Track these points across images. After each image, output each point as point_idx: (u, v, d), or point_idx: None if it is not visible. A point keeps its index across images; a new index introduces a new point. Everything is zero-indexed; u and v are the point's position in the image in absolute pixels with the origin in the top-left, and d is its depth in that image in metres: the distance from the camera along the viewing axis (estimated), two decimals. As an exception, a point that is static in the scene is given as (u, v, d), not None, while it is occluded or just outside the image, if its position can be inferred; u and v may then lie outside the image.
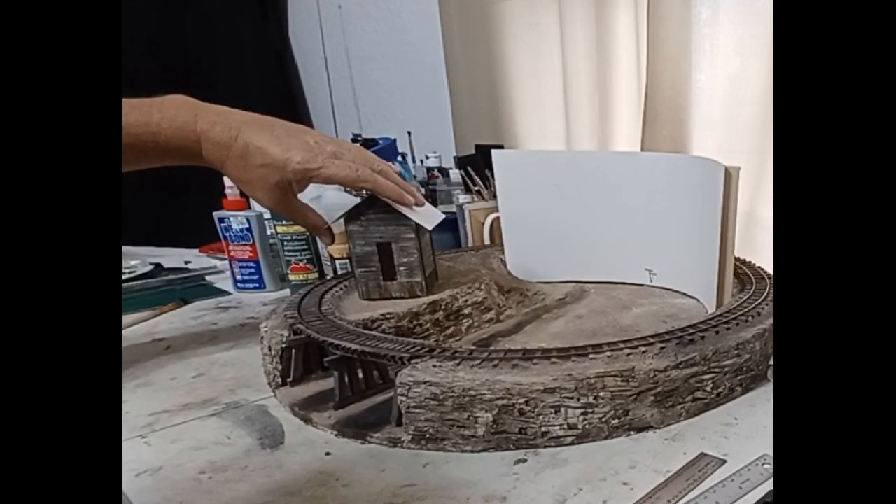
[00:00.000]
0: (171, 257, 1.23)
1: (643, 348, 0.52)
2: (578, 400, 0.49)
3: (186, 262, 1.20)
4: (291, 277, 0.91)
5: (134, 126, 0.54)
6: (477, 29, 1.53)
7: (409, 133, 1.46)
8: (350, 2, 2.04)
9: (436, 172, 1.28)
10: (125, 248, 1.17)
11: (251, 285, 0.99)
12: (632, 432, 0.51)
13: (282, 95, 2.20)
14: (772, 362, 0.59)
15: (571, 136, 1.39)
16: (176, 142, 0.56)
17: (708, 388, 0.54)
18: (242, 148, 0.58)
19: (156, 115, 0.56)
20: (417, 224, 0.67)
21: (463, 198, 1.04)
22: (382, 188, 0.63)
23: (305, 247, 0.90)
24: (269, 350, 0.62)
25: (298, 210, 0.65)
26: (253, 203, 0.96)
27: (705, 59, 1.04)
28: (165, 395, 0.63)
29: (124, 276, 1.07)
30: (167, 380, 0.67)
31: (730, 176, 0.64)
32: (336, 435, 0.53)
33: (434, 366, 0.50)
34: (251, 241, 0.96)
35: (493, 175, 0.83)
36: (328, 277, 0.86)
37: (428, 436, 0.50)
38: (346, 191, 0.78)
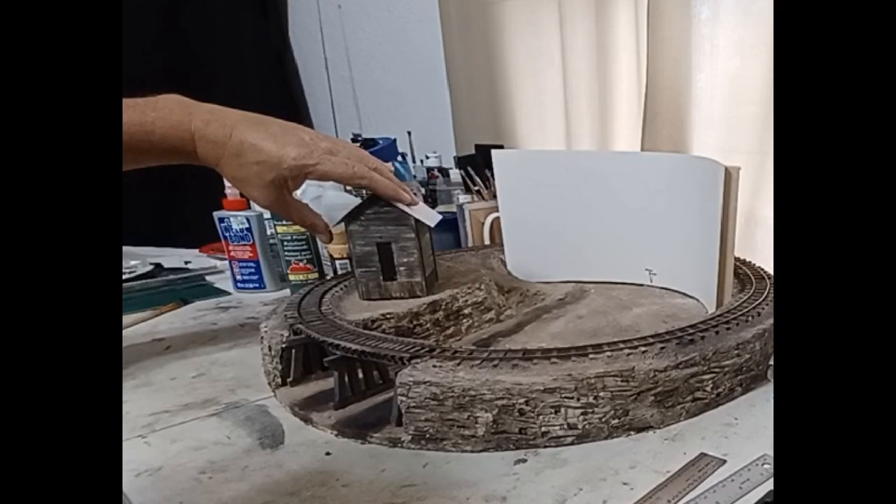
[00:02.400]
0: (171, 257, 1.23)
1: (643, 348, 0.52)
2: (578, 400, 0.49)
3: (186, 262, 1.20)
4: (291, 277, 0.91)
5: (128, 125, 0.54)
6: (477, 29, 1.53)
7: (409, 133, 1.46)
8: (350, 2, 2.04)
9: (436, 172, 1.28)
10: (125, 248, 1.17)
11: (251, 285, 0.99)
12: (632, 432, 0.51)
13: (282, 95, 2.20)
14: (772, 362, 0.59)
15: (571, 136, 1.39)
16: (170, 141, 0.56)
17: (708, 388, 0.54)
18: (237, 146, 0.58)
19: (150, 115, 0.55)
20: (417, 224, 0.66)
21: (463, 198, 1.04)
22: (378, 185, 0.63)
23: (305, 247, 0.90)
24: (269, 350, 0.62)
25: (294, 208, 0.64)
26: (253, 203, 0.95)
27: (705, 59, 1.04)
28: (165, 395, 0.63)
29: (124, 276, 1.07)
30: (167, 380, 0.67)
31: (730, 176, 0.64)
32: (336, 435, 0.53)
33: (434, 366, 0.50)
34: (251, 241, 0.96)
35: (493, 175, 0.83)
36: (328, 277, 0.86)
37: (428, 436, 0.50)
38: (346, 190, 0.78)
